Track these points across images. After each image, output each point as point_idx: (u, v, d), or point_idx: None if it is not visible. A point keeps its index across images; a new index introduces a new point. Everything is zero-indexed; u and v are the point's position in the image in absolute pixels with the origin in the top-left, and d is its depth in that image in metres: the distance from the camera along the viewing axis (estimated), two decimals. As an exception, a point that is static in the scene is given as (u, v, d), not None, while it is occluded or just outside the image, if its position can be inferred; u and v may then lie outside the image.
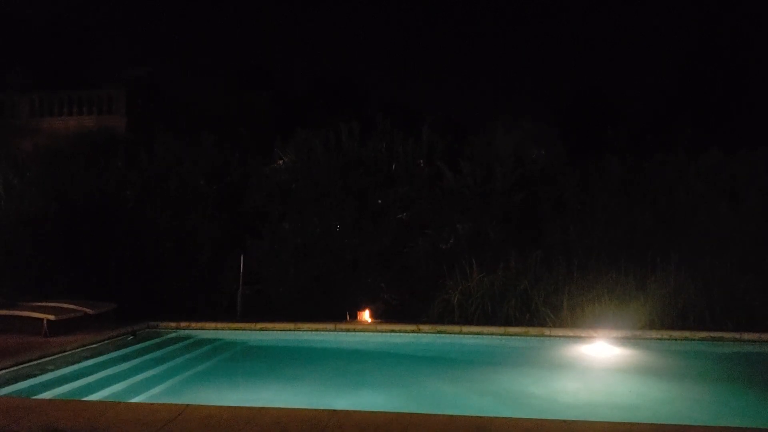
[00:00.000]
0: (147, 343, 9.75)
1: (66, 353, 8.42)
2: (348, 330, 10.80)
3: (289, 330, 10.73)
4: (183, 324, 10.75)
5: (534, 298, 10.91)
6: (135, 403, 6.45)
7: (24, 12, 20.99)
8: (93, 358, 8.49)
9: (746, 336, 9.93)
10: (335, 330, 10.77)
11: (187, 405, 5.44)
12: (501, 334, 10.43)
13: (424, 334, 10.55)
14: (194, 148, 13.23)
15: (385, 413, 5.37)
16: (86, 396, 6.84)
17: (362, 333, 10.78)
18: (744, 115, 18.80)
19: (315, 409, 5.47)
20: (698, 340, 10.00)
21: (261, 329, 10.78)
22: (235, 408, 5.47)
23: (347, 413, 5.25)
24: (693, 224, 11.74)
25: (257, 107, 18.21)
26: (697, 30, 21.53)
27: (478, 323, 10.78)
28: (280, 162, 12.85)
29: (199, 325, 10.77)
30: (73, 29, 22.35)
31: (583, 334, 10.25)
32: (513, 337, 10.37)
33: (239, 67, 22.56)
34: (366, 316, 11.39)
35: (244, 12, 26.33)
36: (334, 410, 5.30)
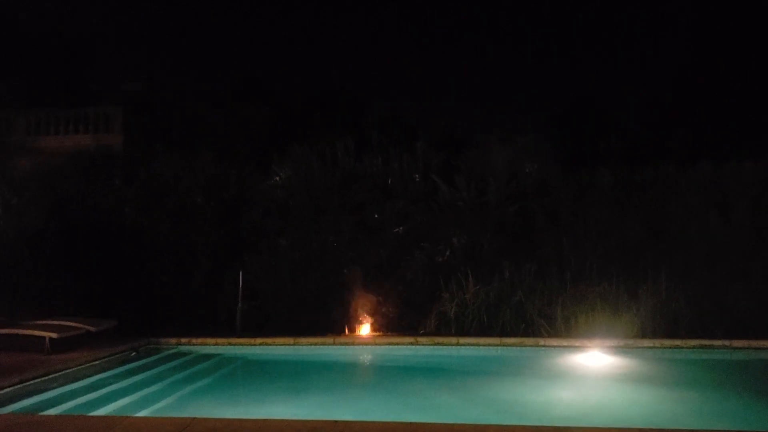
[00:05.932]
0: (148, 360, 9.88)
1: (69, 370, 8.53)
2: (347, 344, 10.95)
3: (289, 344, 10.86)
4: (184, 340, 10.87)
5: (529, 309, 11.10)
6: (140, 417, 6.56)
7: (18, 27, 21.06)
8: (96, 374, 8.64)
9: (736, 343, 10.15)
10: (334, 344, 10.90)
11: (193, 418, 5.59)
12: (497, 345, 10.62)
13: (422, 346, 10.70)
14: (191, 164, 13.38)
15: (385, 423, 5.53)
16: (90, 412, 6.94)
17: (361, 346, 10.92)
18: (734, 126, 19.03)
19: (317, 420, 5.61)
20: (689, 348, 10.21)
21: (261, 344, 10.90)
22: (240, 420, 5.61)
23: (348, 424, 5.41)
24: (684, 235, 11.96)
25: (253, 121, 18.36)
26: (692, 41, 21.85)
27: (475, 334, 10.95)
28: (277, 179, 13.01)
29: (200, 340, 10.89)
30: (67, 44, 22.45)
31: (577, 344, 10.44)
32: (509, 347, 10.56)
33: (235, 81, 22.69)
34: (364, 329, 11.54)
35: (240, 26, 26.62)
36: (335, 421, 5.45)
